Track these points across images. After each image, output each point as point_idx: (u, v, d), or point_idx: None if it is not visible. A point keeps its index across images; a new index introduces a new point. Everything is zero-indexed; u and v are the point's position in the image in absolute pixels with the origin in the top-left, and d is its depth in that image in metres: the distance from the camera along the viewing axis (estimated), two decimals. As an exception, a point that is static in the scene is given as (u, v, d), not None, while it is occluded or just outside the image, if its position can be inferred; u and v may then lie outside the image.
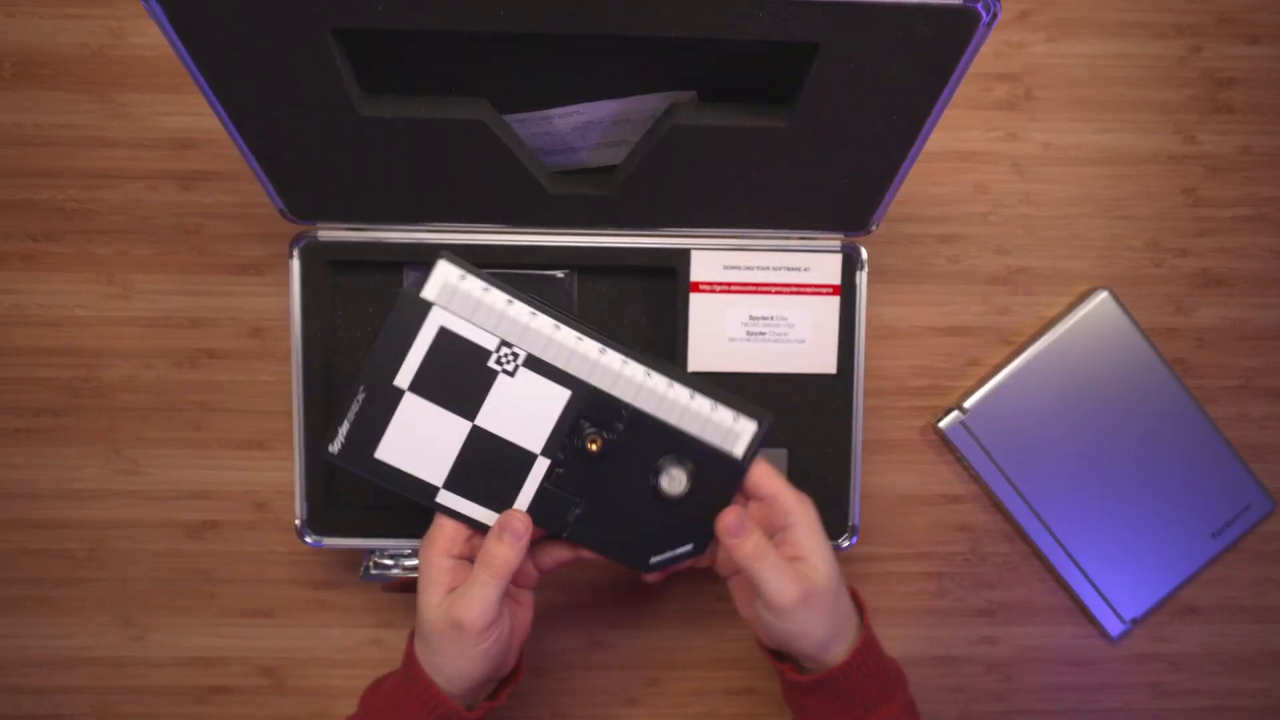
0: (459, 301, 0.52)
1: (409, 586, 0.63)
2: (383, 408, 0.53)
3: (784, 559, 0.53)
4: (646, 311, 0.64)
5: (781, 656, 0.58)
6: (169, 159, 0.68)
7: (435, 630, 0.53)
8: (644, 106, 0.55)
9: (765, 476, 0.55)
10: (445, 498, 0.54)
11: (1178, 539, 0.71)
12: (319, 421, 0.62)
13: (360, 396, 0.52)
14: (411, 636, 0.57)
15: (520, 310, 0.52)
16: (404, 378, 0.52)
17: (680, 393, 0.54)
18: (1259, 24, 0.70)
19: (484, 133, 0.53)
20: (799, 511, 0.55)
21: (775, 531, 0.55)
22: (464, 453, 0.54)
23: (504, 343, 0.52)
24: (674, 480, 0.54)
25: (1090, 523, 0.70)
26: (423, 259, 0.61)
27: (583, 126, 0.57)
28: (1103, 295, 0.69)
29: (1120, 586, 0.71)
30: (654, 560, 0.57)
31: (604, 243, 0.61)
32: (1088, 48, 0.70)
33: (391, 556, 0.63)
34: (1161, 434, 0.70)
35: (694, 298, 0.62)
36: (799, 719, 0.59)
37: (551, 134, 0.57)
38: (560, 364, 0.53)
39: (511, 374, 0.52)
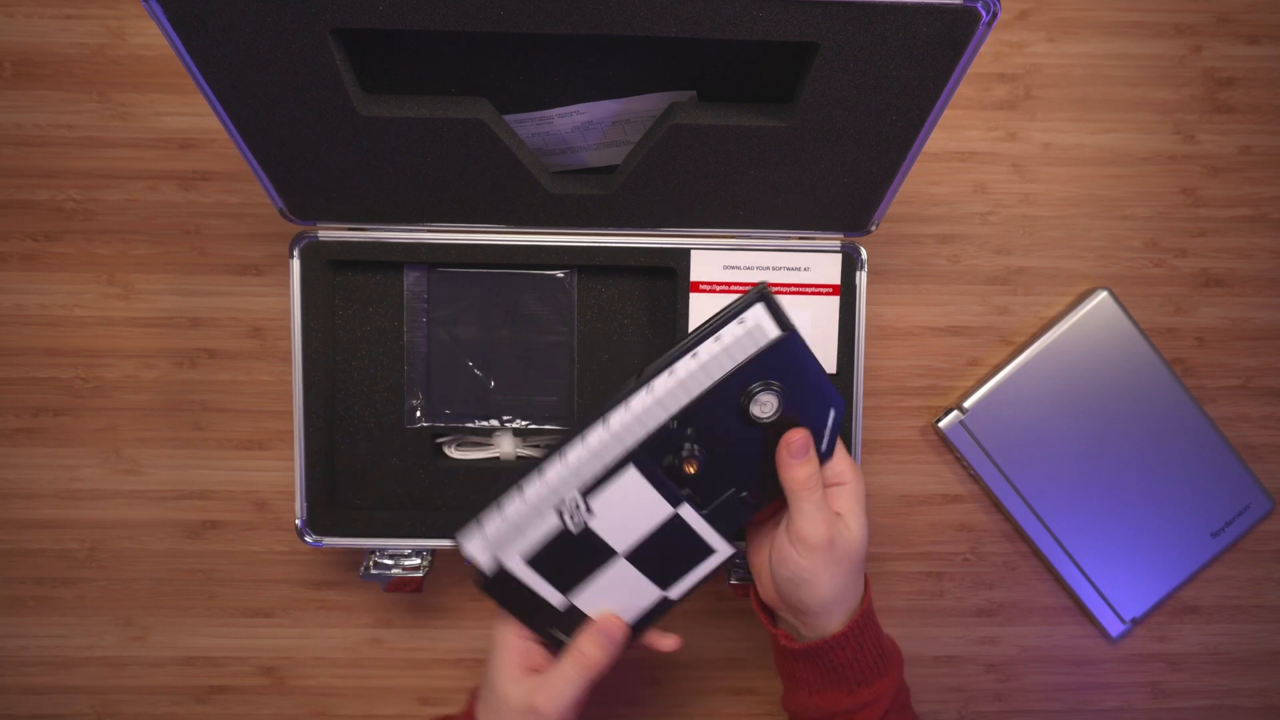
0: (503, 535, 0.52)
1: (409, 586, 0.64)
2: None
3: (828, 503, 0.54)
4: (646, 311, 0.64)
5: (775, 621, 0.58)
6: (169, 159, 0.68)
7: (510, 707, 0.53)
8: (644, 106, 0.55)
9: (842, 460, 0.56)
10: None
11: (1177, 539, 0.71)
12: (319, 421, 0.62)
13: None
14: (474, 697, 0.57)
15: (536, 485, 0.51)
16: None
17: (685, 364, 0.51)
18: (1259, 24, 0.70)
19: (484, 132, 0.53)
20: (854, 478, 0.55)
21: (829, 484, 0.55)
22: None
23: (558, 511, 0.52)
24: (763, 405, 0.52)
25: (1090, 522, 0.70)
26: (421, 259, 0.61)
27: (583, 126, 0.57)
28: (1102, 295, 0.69)
29: (1120, 586, 0.71)
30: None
31: (604, 243, 0.61)
32: (1088, 48, 0.70)
33: (391, 556, 0.63)
34: (1161, 434, 0.70)
35: (694, 298, 0.62)
36: (789, 688, 0.59)
37: (551, 134, 0.57)
38: (601, 465, 0.51)
39: (591, 512, 0.52)
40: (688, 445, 0.52)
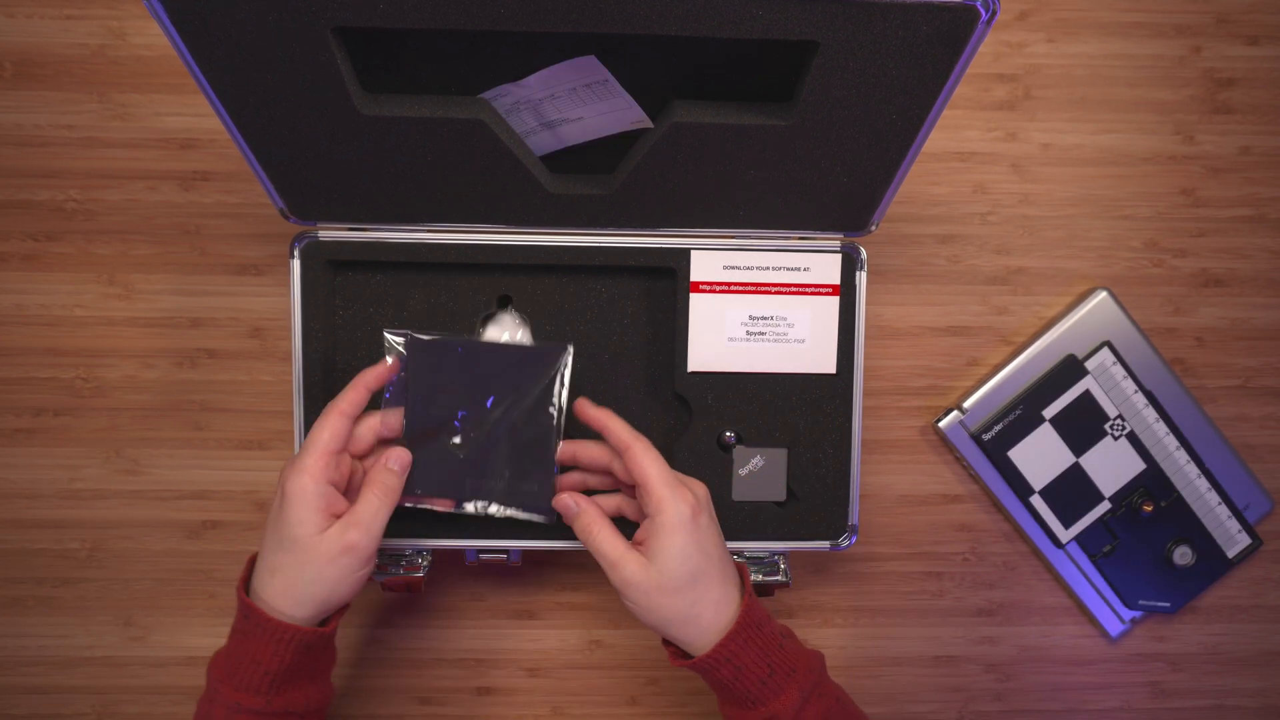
0: (1107, 379, 0.67)
1: (409, 586, 0.64)
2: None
3: (615, 539, 0.55)
4: (646, 311, 0.64)
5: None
6: (169, 159, 0.68)
7: (322, 556, 0.52)
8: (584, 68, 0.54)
9: (640, 463, 0.55)
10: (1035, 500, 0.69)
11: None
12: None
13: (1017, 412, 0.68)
14: (249, 571, 0.55)
15: (1141, 400, 0.67)
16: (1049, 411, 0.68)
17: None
18: (1259, 24, 0.70)
19: (484, 132, 0.53)
20: (664, 502, 0.54)
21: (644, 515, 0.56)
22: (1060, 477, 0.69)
23: (1120, 416, 0.65)
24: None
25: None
26: (421, 259, 0.61)
27: (562, 92, 0.55)
28: (1102, 295, 0.69)
29: (1120, 586, 0.71)
30: None
31: (604, 243, 0.61)
32: (1088, 48, 0.70)
33: (391, 556, 0.63)
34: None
35: (694, 298, 0.62)
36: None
37: (529, 101, 0.56)
38: (1149, 447, 0.68)
39: (1115, 439, 0.67)
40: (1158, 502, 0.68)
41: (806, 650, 0.57)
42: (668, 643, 0.57)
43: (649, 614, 0.54)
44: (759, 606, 0.56)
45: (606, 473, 0.59)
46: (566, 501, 0.57)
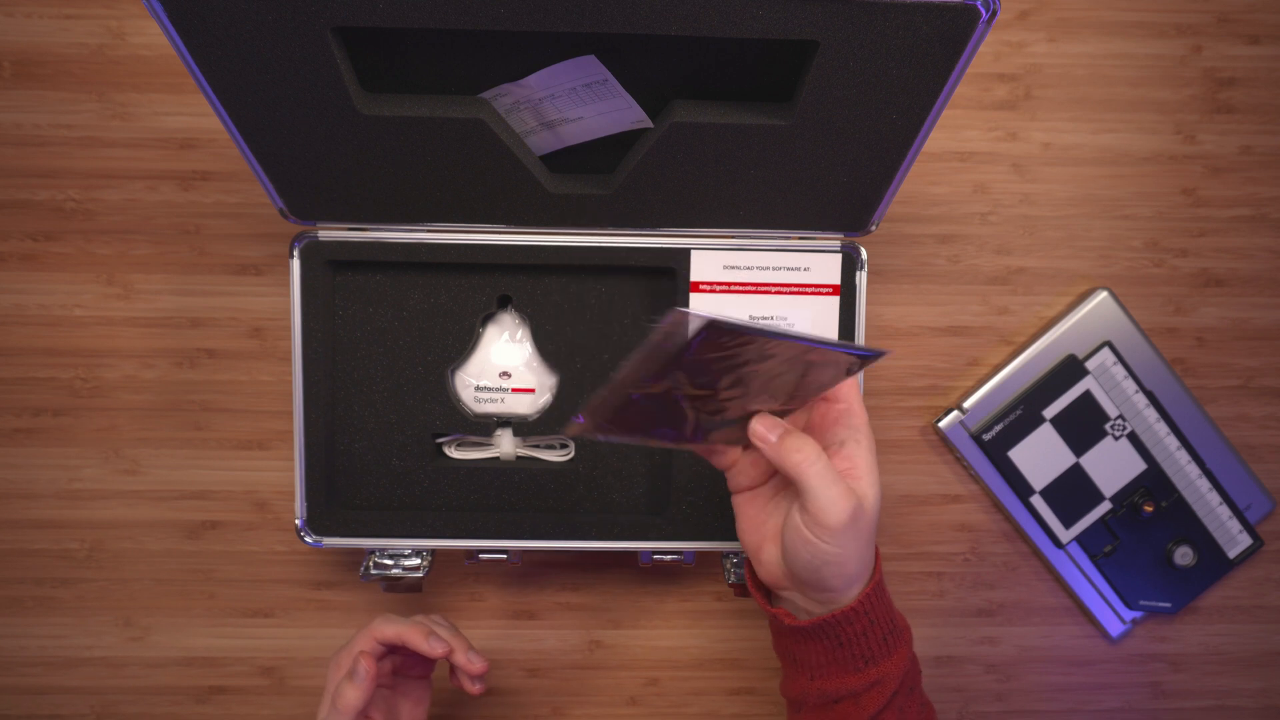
0: (1107, 379, 0.67)
1: (410, 586, 0.64)
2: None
3: (836, 470, 0.49)
4: (646, 311, 0.64)
5: (773, 600, 0.55)
6: (169, 159, 0.68)
7: None
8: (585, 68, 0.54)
9: (847, 384, 0.52)
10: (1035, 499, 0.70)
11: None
12: (319, 421, 0.62)
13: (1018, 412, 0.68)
14: None
15: (1142, 400, 0.66)
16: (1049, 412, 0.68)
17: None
18: (1259, 24, 0.70)
19: (484, 132, 0.53)
20: (864, 428, 0.51)
21: (831, 443, 0.52)
22: (1061, 477, 0.69)
23: (1121, 416, 0.64)
24: None
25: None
26: (421, 259, 0.61)
27: (564, 91, 0.55)
28: (1102, 295, 0.69)
29: (1120, 586, 0.71)
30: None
31: (604, 243, 0.61)
32: (1088, 48, 0.70)
33: (391, 556, 0.63)
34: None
35: (694, 298, 0.62)
36: (789, 672, 0.55)
37: (530, 100, 0.56)
38: (1150, 447, 0.68)
39: (1116, 439, 0.67)
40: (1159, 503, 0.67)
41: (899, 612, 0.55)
42: (774, 606, 0.55)
43: (850, 553, 0.49)
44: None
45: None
46: (764, 423, 0.50)
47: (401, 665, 0.61)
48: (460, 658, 0.58)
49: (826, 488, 0.48)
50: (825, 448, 0.51)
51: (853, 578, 0.50)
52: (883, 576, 0.53)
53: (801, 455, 0.49)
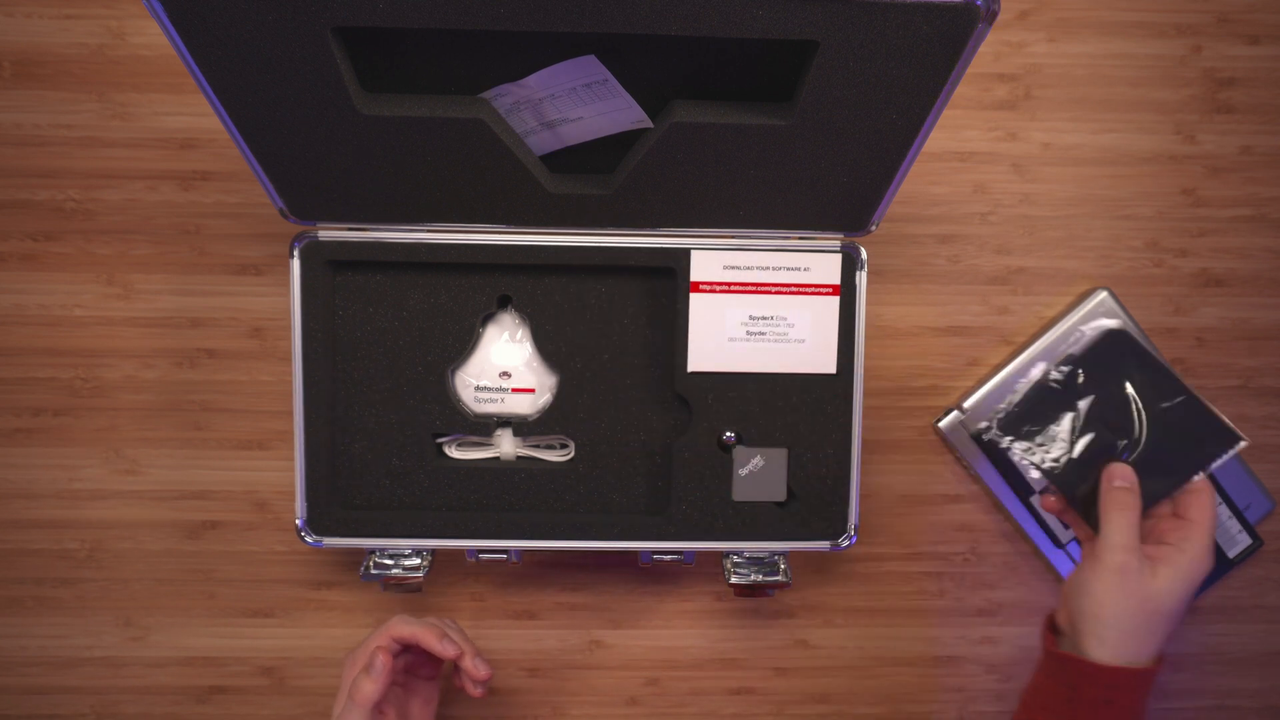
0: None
1: (410, 586, 0.64)
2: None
3: (1138, 533, 0.55)
4: (646, 311, 0.64)
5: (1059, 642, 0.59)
6: (169, 159, 0.68)
7: None
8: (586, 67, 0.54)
9: (1206, 500, 0.57)
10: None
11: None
12: (319, 421, 0.62)
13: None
14: None
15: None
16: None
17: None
18: (1259, 24, 0.70)
19: (484, 132, 0.53)
20: (1200, 526, 0.56)
21: (1163, 532, 0.57)
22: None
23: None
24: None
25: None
26: (421, 259, 0.61)
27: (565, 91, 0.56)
28: (1102, 295, 0.69)
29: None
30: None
31: (604, 243, 0.61)
32: (1088, 48, 0.70)
33: (391, 556, 0.63)
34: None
35: (694, 298, 0.62)
36: (1023, 708, 0.59)
37: (530, 101, 0.56)
38: None
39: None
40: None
41: None
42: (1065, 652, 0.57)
43: (1107, 600, 0.54)
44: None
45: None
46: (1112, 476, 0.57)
47: (412, 664, 0.63)
48: (468, 662, 0.60)
49: (1112, 531, 0.55)
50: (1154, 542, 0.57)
51: (1111, 641, 0.54)
52: (1151, 678, 0.55)
53: (1116, 489, 0.56)
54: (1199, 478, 0.58)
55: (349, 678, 0.60)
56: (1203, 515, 0.56)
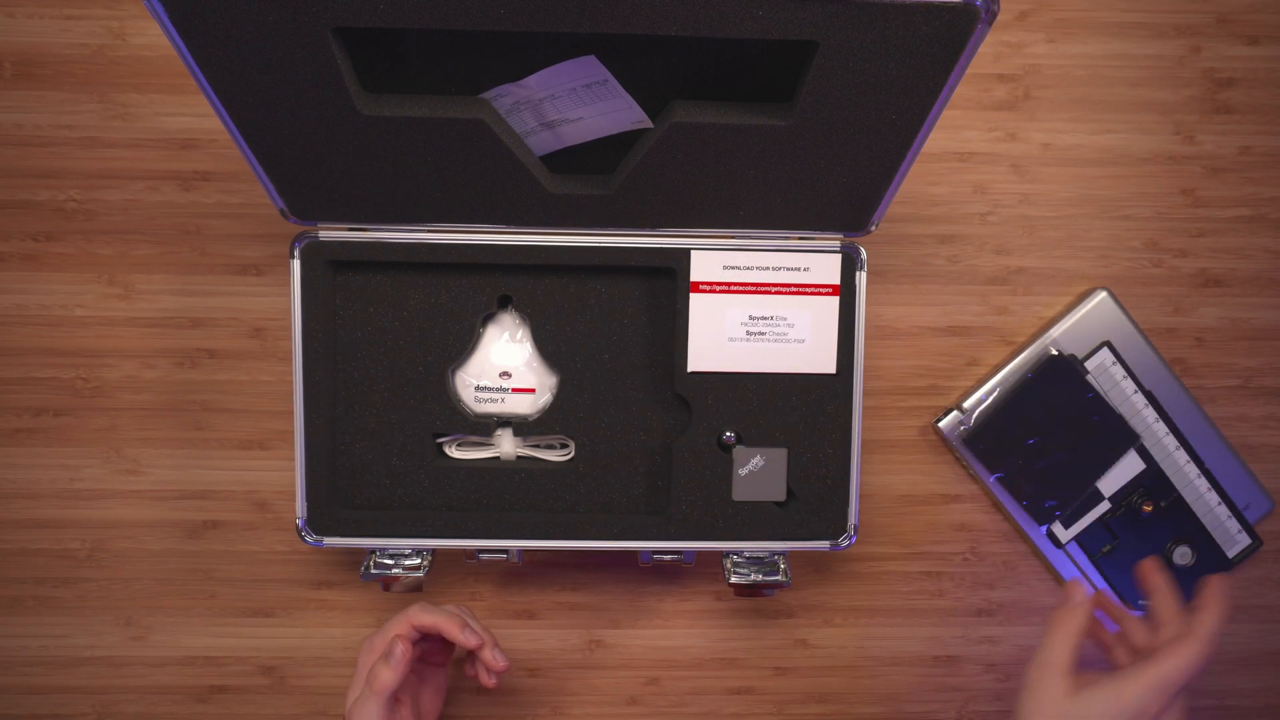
0: (1106, 379, 0.68)
1: (410, 586, 0.64)
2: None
3: (1064, 651, 0.56)
4: (646, 311, 0.64)
5: None
6: (169, 159, 0.68)
7: None
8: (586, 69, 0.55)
9: (1212, 617, 0.56)
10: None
11: (1177, 539, 0.71)
12: (319, 421, 0.62)
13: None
14: None
15: (1141, 400, 0.67)
16: None
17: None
18: (1259, 24, 0.70)
19: (484, 132, 0.53)
20: (1186, 663, 0.55)
21: (1145, 646, 0.59)
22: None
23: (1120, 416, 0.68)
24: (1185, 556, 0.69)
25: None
26: (421, 259, 0.61)
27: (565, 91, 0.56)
28: (1102, 295, 0.69)
29: (1119, 587, 0.71)
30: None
31: (604, 243, 0.61)
32: (1087, 48, 0.70)
33: (392, 556, 0.64)
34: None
35: (694, 298, 0.62)
36: None
37: (530, 101, 0.56)
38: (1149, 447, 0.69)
39: None
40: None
41: None
42: None
43: (1030, 701, 0.55)
44: None
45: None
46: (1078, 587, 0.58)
47: (425, 652, 0.63)
48: (488, 653, 0.60)
49: (1046, 644, 0.56)
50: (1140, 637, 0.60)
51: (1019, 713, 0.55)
52: None
53: (1063, 614, 0.57)
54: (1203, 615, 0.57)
55: (366, 664, 0.59)
56: (1172, 652, 0.55)
